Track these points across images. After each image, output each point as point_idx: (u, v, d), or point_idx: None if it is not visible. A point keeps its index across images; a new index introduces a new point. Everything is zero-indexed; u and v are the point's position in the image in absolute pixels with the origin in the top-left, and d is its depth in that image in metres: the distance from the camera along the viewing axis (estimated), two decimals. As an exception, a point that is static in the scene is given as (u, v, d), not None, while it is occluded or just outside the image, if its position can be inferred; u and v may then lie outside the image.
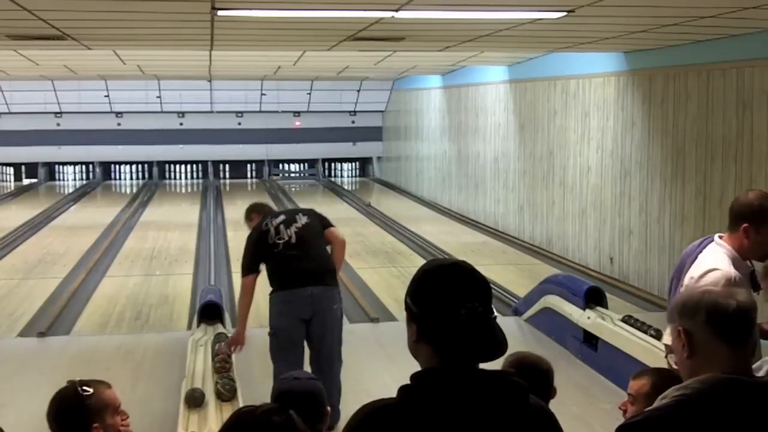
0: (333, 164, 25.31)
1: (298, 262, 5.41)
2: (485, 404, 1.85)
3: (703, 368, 1.91)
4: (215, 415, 5.08)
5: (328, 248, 5.73)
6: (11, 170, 23.88)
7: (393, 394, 1.92)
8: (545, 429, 1.94)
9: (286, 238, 5.46)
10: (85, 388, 2.83)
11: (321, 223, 5.72)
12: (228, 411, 5.21)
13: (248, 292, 5.61)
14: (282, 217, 5.60)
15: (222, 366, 5.76)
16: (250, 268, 5.57)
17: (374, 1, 6.45)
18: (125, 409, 2.96)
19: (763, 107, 7.74)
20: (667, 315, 2.05)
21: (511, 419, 1.86)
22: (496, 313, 1.92)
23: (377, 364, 6.80)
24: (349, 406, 5.89)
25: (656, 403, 1.88)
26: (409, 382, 1.90)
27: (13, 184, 23.47)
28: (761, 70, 7.75)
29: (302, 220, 5.59)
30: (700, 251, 3.61)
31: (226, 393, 5.34)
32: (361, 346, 7.63)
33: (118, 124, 23.05)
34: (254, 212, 5.84)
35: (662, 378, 3.09)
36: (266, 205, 6.04)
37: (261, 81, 21.89)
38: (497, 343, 1.88)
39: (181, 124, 23.34)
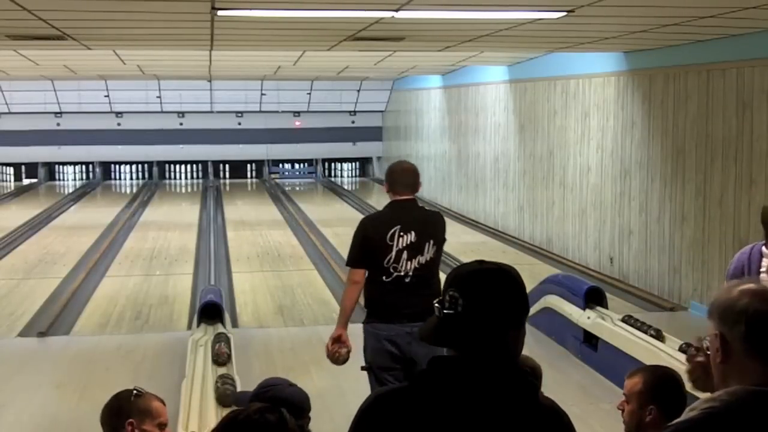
0: (333, 164, 25.31)
1: (405, 300, 4.60)
2: (490, 397, 1.87)
3: (734, 376, 1.87)
4: (215, 415, 5.08)
5: None
6: (11, 170, 23.89)
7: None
8: (554, 428, 1.94)
9: (402, 273, 4.62)
10: (138, 390, 3.03)
11: (441, 248, 4.75)
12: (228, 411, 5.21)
13: (355, 286, 4.75)
14: (411, 238, 4.62)
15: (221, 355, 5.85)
16: (358, 263, 4.72)
17: (374, 1, 6.45)
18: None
19: (763, 107, 7.74)
20: (708, 309, 1.96)
21: (516, 415, 1.88)
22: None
23: (377, 364, 6.81)
24: (350, 406, 5.89)
25: (684, 415, 1.86)
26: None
27: (13, 184, 23.47)
28: (761, 70, 7.75)
29: (429, 252, 4.66)
30: (759, 264, 3.66)
31: (226, 398, 5.35)
32: (361, 345, 7.62)
33: (118, 124, 23.06)
34: (389, 183, 4.80)
35: (655, 376, 3.10)
36: (407, 180, 4.78)
37: (261, 81, 21.89)
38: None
39: (181, 124, 23.35)
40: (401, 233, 4.62)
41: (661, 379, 3.08)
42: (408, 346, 4.58)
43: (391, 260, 4.61)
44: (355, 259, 4.73)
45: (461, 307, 1.92)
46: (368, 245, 4.66)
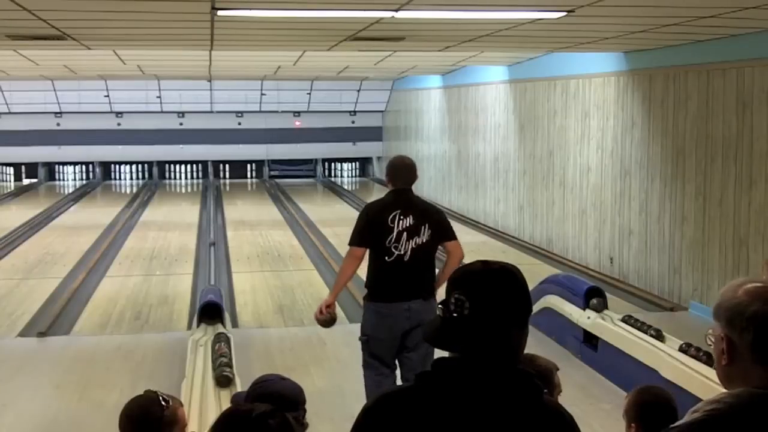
0: (333, 164, 25.30)
1: (403, 278, 5.13)
2: (494, 398, 1.87)
3: (737, 378, 1.85)
4: (216, 415, 5.06)
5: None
6: (11, 170, 23.90)
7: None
8: (557, 430, 1.94)
9: (402, 252, 5.12)
10: (164, 398, 2.93)
11: (445, 235, 5.28)
12: (226, 401, 5.21)
13: (354, 260, 5.26)
14: (410, 221, 5.14)
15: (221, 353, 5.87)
16: (359, 242, 5.22)
17: (374, 1, 6.45)
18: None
19: (763, 107, 7.74)
20: (713, 309, 1.87)
21: (520, 416, 1.87)
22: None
23: (377, 364, 6.80)
24: (350, 406, 5.89)
25: (687, 417, 1.85)
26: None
27: (13, 184, 23.47)
28: (761, 70, 7.75)
29: (425, 234, 5.17)
30: None
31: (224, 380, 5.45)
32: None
33: (118, 124, 23.06)
34: (390, 176, 5.30)
35: (640, 397, 3.17)
36: (406, 174, 5.30)
37: (261, 81, 21.88)
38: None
39: (181, 124, 23.35)
40: (401, 216, 5.15)
41: (644, 400, 3.15)
42: (406, 321, 5.10)
43: (392, 240, 5.12)
44: (357, 239, 5.24)
45: (468, 309, 1.90)
46: (371, 227, 5.17)
